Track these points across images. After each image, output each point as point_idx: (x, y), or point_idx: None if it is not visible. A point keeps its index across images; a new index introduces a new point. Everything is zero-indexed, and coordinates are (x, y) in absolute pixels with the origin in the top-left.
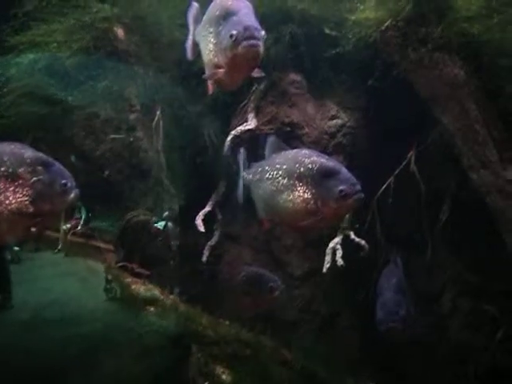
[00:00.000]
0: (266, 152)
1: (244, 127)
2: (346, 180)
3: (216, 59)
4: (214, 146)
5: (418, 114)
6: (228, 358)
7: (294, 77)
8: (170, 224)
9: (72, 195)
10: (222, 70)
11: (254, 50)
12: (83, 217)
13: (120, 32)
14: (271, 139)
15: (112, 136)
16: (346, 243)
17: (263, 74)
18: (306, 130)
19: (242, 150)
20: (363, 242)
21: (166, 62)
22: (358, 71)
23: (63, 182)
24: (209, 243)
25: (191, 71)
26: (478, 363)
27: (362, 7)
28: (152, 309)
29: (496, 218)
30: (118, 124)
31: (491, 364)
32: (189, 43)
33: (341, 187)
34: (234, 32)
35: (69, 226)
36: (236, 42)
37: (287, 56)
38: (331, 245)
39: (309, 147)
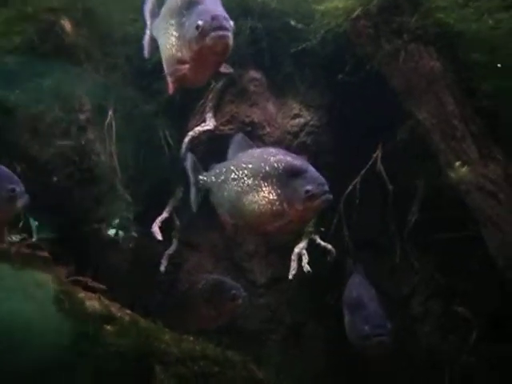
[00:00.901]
0: (231, 151)
1: (202, 127)
2: (313, 180)
3: (179, 54)
4: (171, 147)
5: (385, 111)
6: (195, 377)
7: (254, 74)
8: (120, 232)
9: (20, 202)
10: (186, 66)
11: (223, 42)
12: (34, 227)
13: (67, 25)
14: (237, 137)
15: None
16: (312, 248)
17: (231, 70)
18: (268, 129)
19: (189, 154)
20: (330, 247)
21: (118, 58)
22: (322, 67)
23: (10, 187)
24: (167, 252)
25: (145, 68)
26: (451, 368)
27: None
28: (109, 327)
29: (475, 218)
30: (66, 125)
31: (465, 368)
32: (146, 39)
33: (307, 187)
34: (201, 22)
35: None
36: (203, 33)
37: (247, 52)
38: (296, 250)
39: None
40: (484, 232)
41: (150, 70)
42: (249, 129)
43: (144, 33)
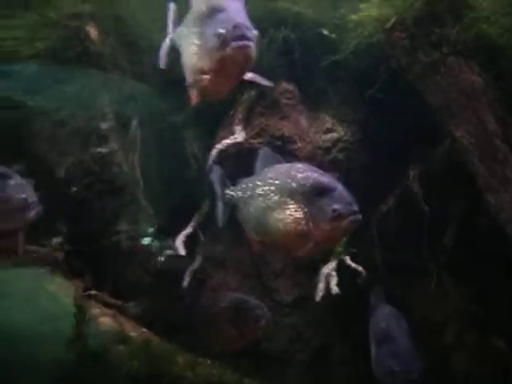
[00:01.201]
0: (258, 165)
1: (231, 140)
2: (341, 198)
3: (200, 63)
4: (198, 160)
5: (422, 128)
6: None
7: (286, 86)
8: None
9: (32, 212)
10: (207, 77)
11: (244, 52)
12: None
13: (93, 32)
14: (264, 151)
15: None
16: (341, 268)
17: (272, 84)
18: (299, 144)
19: (216, 168)
20: (360, 268)
21: (145, 68)
22: (356, 80)
23: (22, 197)
24: (190, 267)
25: (173, 78)
26: None
27: (364, 6)
28: (121, 347)
29: None
30: (87, 134)
31: None
32: (163, 48)
33: (335, 206)
34: (222, 31)
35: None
36: (224, 42)
37: (279, 63)
38: (325, 270)
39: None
40: None
41: (178, 80)
42: (279, 143)
43: (162, 41)
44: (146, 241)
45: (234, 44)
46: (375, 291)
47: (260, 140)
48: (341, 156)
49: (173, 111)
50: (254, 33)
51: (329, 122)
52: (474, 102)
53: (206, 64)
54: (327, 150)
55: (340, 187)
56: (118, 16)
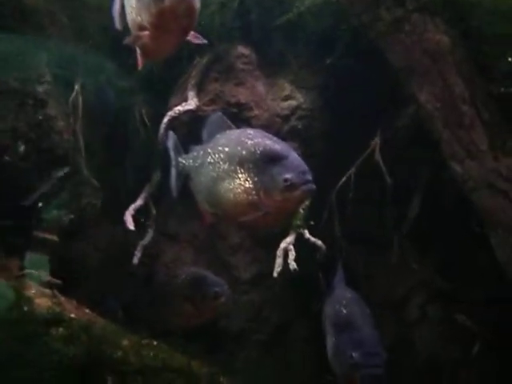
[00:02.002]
0: (208, 131)
1: (183, 107)
2: (294, 167)
3: (139, 18)
4: (147, 128)
5: (385, 94)
6: None
7: (242, 50)
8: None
9: None
10: (146, 33)
11: (186, 3)
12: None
13: None
14: (215, 116)
15: None
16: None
17: (204, 41)
18: (256, 111)
19: (171, 133)
20: (320, 242)
21: (89, 26)
22: (315, 42)
23: None
24: (141, 242)
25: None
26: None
27: None
28: (58, 331)
29: (482, 218)
30: (21, 98)
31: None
32: (115, 7)
33: (286, 175)
34: None
35: None
36: None
37: (234, 25)
38: (283, 245)
39: None
40: (492, 236)
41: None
42: (234, 110)
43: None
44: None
45: None
46: (335, 270)
47: (214, 107)
48: (300, 124)
49: (121, 74)
50: None
51: (287, 88)
52: (440, 63)
53: (144, 18)
54: (285, 118)
55: (293, 155)
56: None
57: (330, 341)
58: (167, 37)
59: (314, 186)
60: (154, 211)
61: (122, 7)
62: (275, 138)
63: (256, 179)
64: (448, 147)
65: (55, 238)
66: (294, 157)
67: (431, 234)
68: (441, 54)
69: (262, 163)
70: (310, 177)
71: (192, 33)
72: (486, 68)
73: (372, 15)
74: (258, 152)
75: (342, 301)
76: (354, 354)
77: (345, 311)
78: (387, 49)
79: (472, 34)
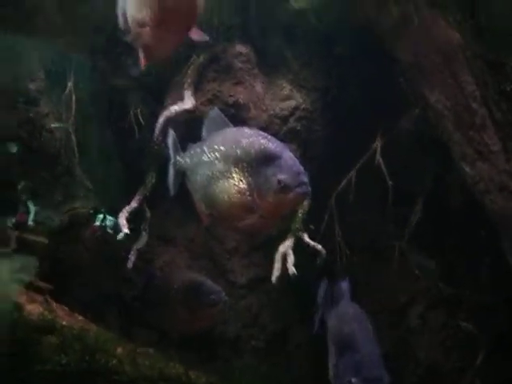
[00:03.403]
0: (206, 129)
1: (179, 107)
2: (288, 168)
3: (139, 14)
4: (142, 128)
5: (388, 95)
6: None
7: (241, 48)
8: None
9: None
10: (147, 29)
11: None
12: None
13: None
14: (213, 113)
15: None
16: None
17: (206, 38)
18: (254, 112)
19: (171, 132)
20: (319, 247)
21: (84, 21)
22: (317, 41)
23: None
24: (135, 246)
25: (117, 38)
26: None
27: None
28: (49, 339)
29: (495, 222)
30: (13, 95)
31: None
32: (120, 5)
33: (280, 176)
34: None
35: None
36: None
37: (233, 22)
38: (281, 249)
39: None
40: (505, 240)
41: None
42: (232, 110)
43: None
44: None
45: None
46: (337, 282)
47: (211, 107)
48: (299, 126)
49: (116, 72)
50: None
51: (287, 88)
52: (451, 61)
53: (145, 14)
54: (284, 119)
55: (288, 154)
56: None
57: (331, 358)
58: (167, 34)
59: (309, 189)
60: (148, 213)
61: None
62: (271, 138)
63: (250, 179)
64: (458, 148)
65: (45, 240)
66: (289, 157)
67: (434, 239)
68: (452, 51)
69: (257, 163)
70: (305, 178)
71: (193, 29)
72: (497, 66)
73: (379, 10)
74: (253, 151)
75: (344, 317)
76: (353, 380)
77: (347, 330)
78: (395, 46)
79: (484, 31)
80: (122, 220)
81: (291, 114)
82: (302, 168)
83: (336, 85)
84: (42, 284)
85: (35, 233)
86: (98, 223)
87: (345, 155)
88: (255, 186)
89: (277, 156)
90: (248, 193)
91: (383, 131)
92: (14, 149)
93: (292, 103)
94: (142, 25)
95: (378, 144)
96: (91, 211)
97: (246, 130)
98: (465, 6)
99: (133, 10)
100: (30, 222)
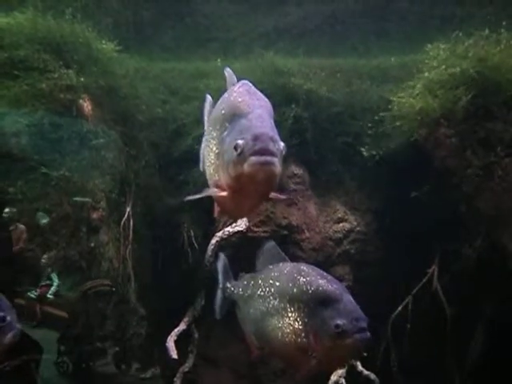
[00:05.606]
0: (260, 261)
1: (232, 228)
2: (347, 312)
3: (216, 176)
4: (195, 250)
5: (445, 223)
6: None
7: (295, 169)
8: None
9: (10, 335)
10: (223, 193)
11: (266, 170)
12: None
13: (87, 106)
14: (268, 245)
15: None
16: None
17: (284, 198)
18: (307, 234)
19: (222, 256)
20: (373, 376)
21: (142, 145)
22: (373, 165)
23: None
24: (181, 369)
25: (171, 157)
26: None
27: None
28: None
29: None
30: (75, 224)
31: None
32: (203, 147)
33: (338, 321)
34: (240, 142)
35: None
36: (242, 156)
37: (289, 143)
38: (333, 377)
39: (309, 255)
40: None
41: (175, 159)
42: (285, 232)
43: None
44: None
45: (253, 159)
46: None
47: (264, 229)
48: (353, 249)
49: (170, 192)
50: (281, 145)
51: (340, 210)
52: None
53: (222, 178)
54: (338, 242)
55: (347, 297)
56: (113, 87)
57: None
58: (245, 199)
59: (368, 335)
60: (196, 335)
61: None
62: (330, 277)
63: (306, 320)
64: None
65: None
66: (349, 300)
67: (498, 372)
68: None
69: (314, 304)
70: (364, 324)
71: (272, 194)
72: None
73: (458, 160)
74: (310, 292)
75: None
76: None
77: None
78: (474, 195)
79: None
80: (171, 344)
81: (345, 236)
82: (361, 313)
83: (392, 208)
84: None
85: None
86: None
87: (400, 279)
88: (311, 328)
89: (336, 298)
90: (303, 334)
91: (440, 255)
92: None
93: (346, 225)
94: (219, 186)
95: (435, 268)
96: None
97: (304, 267)
98: None
99: (210, 168)
100: None
